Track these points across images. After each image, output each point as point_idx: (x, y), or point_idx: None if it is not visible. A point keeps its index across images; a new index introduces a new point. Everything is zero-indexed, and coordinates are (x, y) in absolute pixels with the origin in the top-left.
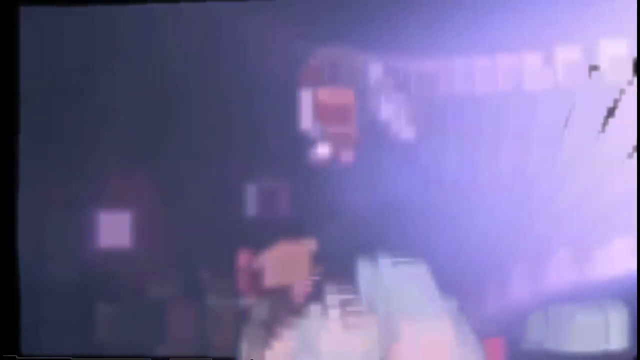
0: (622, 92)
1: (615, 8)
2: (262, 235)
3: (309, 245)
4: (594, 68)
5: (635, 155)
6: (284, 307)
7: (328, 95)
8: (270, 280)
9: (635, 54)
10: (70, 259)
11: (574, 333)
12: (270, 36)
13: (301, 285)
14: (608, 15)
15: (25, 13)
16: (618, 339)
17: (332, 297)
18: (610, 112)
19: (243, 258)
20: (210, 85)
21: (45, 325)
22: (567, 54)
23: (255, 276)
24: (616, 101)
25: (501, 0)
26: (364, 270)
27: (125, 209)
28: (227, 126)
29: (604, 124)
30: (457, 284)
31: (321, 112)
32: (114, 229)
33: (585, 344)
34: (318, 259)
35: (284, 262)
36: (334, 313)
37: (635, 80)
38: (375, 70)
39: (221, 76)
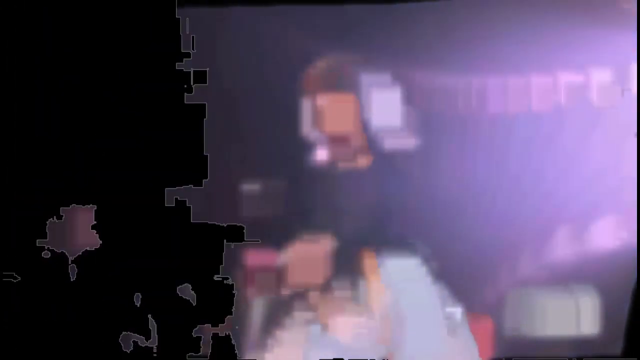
0: None
1: None
2: (264, 235)
3: (326, 243)
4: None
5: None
6: (291, 305)
7: (330, 100)
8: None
9: None
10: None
11: (549, 318)
12: (273, 40)
13: (310, 283)
14: None
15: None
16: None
17: (337, 297)
18: None
19: (248, 257)
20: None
21: None
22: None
23: (260, 275)
24: None
25: (510, 19)
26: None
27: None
28: (228, 128)
29: None
30: (454, 277)
31: (322, 116)
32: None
33: (561, 329)
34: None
35: (299, 260)
36: (339, 311)
37: None
38: (377, 75)
39: (224, 79)
